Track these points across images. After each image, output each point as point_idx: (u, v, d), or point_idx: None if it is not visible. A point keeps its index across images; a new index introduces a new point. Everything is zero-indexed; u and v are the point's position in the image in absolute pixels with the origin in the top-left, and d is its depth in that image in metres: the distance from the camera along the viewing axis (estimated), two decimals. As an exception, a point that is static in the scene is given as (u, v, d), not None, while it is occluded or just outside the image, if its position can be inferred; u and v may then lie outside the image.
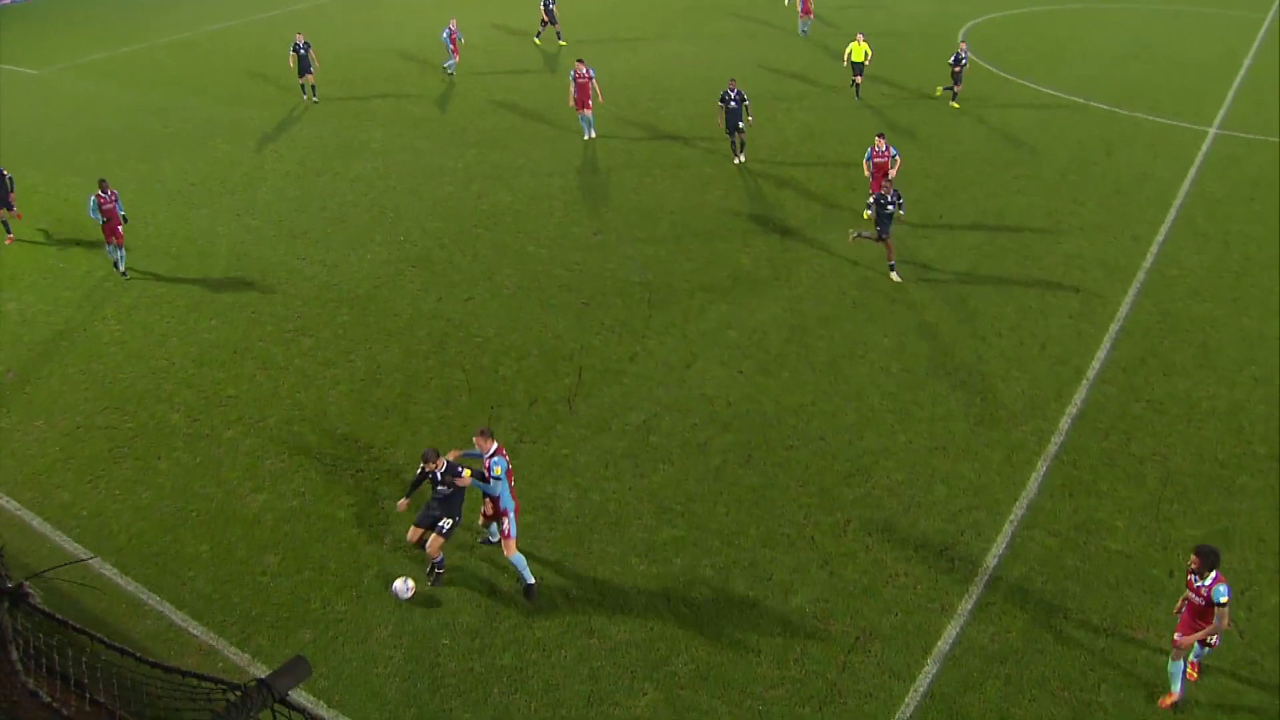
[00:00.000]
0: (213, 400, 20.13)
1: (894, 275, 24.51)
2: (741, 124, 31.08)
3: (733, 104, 30.75)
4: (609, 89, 37.87)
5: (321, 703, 13.52)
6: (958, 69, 36.33)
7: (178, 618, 14.97)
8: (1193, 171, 31.31)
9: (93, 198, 24.21)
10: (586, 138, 33.95)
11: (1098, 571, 15.79)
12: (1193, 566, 12.78)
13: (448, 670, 13.97)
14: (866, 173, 27.12)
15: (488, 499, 15.17)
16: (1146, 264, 25.42)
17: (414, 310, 23.23)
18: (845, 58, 37.45)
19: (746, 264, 25.48)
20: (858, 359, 21.35)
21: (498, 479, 14.57)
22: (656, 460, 18.28)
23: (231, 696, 4.99)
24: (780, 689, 13.74)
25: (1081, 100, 37.62)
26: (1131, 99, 37.74)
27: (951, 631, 14.68)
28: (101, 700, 6.11)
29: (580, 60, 33.25)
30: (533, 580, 15.16)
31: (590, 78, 32.80)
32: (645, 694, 13.65)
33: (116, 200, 24.39)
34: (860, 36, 37.10)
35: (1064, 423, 19.30)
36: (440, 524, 15.06)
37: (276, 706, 5.04)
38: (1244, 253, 25.95)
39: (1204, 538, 16.42)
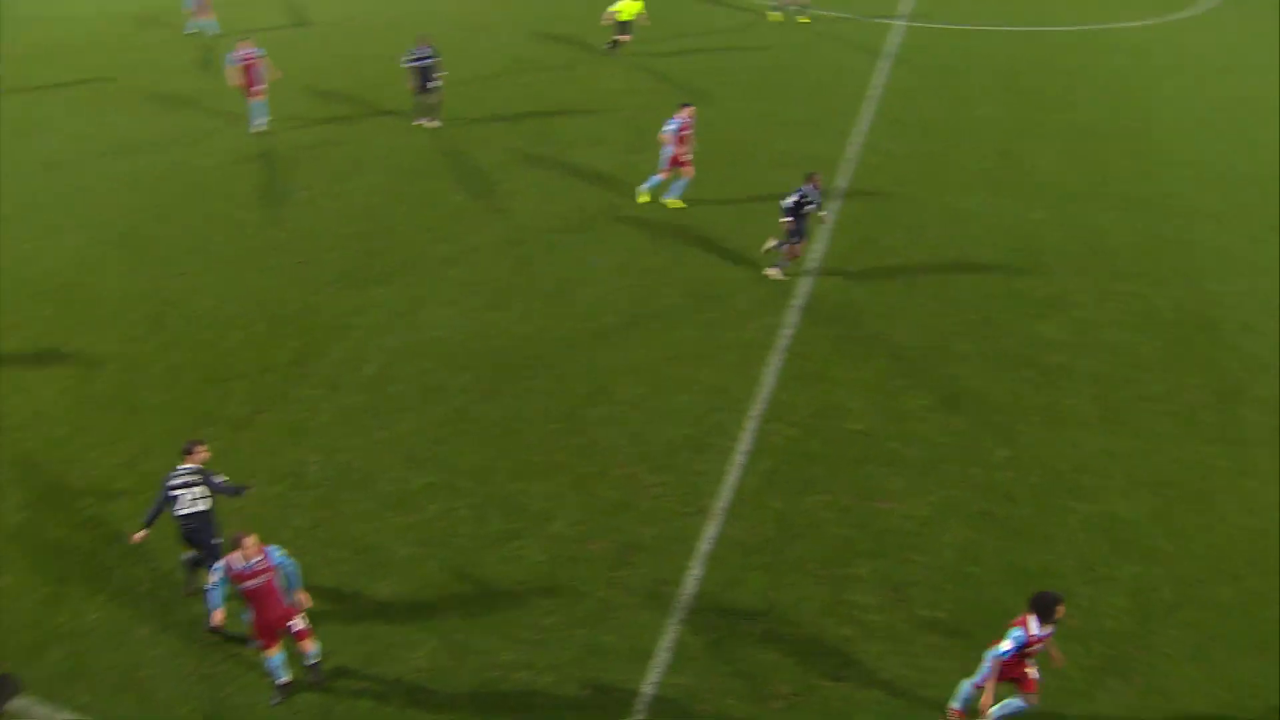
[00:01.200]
0: (-92, 419, 18.43)
1: (773, 271, 21.49)
2: (431, 84, 28.82)
3: (427, 61, 28.54)
4: (303, 40, 36.45)
5: (87, 718, 12.77)
6: None
7: (-95, 662, 13.75)
8: (886, 64, 32.86)
9: None
10: (253, 128, 29.52)
11: (840, 452, 16.64)
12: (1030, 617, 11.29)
13: (214, 660, 13.39)
14: (668, 142, 23.73)
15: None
16: (852, 155, 26.60)
17: (123, 292, 21.78)
18: (610, 17, 34.31)
19: (461, 201, 25.19)
20: (585, 280, 21.56)
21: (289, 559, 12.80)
22: (397, 409, 17.99)
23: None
24: (553, 615, 13.90)
25: (773, 3, 38.70)
26: (821, -2, 39.15)
27: (710, 532, 15.19)
28: None
29: (246, 39, 29.18)
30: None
31: (258, 58, 28.69)
32: (423, 644, 13.52)
33: None
34: None
35: (791, 316, 20.10)
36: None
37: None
38: (939, 136, 27.54)
39: (932, 405, 17.55)
